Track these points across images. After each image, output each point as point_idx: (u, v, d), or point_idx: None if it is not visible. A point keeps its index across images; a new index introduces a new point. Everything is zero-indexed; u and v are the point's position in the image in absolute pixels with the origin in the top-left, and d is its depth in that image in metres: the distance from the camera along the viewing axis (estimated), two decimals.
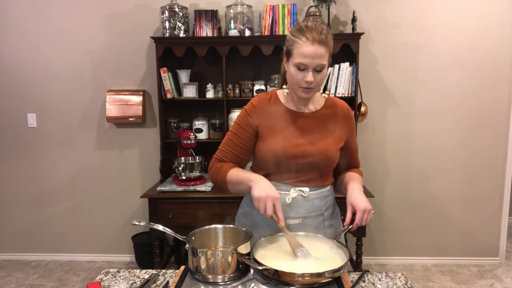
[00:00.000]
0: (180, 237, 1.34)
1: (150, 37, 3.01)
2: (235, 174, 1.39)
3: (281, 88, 1.49)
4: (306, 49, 1.28)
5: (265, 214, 1.26)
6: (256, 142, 1.44)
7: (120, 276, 1.33)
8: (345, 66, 2.90)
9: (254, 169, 1.51)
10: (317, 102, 1.48)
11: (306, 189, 1.42)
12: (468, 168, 3.25)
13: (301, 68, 1.31)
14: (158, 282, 1.29)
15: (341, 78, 2.91)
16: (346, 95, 2.93)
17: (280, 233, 1.37)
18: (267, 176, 1.42)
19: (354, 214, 1.33)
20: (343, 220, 1.41)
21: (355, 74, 2.90)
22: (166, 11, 2.94)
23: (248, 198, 1.52)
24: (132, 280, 1.31)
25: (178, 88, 3.10)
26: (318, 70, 1.31)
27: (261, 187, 1.27)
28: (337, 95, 2.93)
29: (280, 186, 1.42)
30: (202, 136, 3.08)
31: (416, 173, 3.26)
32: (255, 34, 2.99)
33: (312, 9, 2.89)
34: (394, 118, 3.21)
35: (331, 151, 1.42)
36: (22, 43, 3.24)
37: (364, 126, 3.19)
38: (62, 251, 3.49)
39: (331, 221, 1.50)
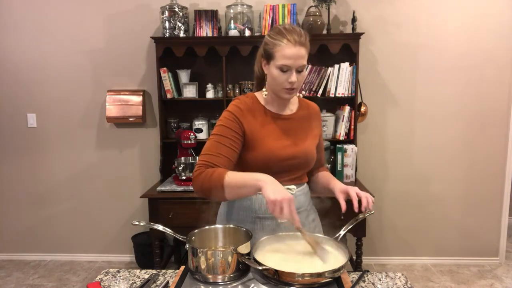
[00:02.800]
0: (180, 237, 1.34)
1: (150, 37, 3.01)
2: (236, 176, 1.26)
3: (258, 90, 1.50)
4: (289, 51, 1.32)
5: (281, 217, 1.17)
6: (244, 146, 1.42)
7: (120, 276, 1.33)
8: (345, 66, 2.90)
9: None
10: (293, 103, 1.52)
11: (294, 186, 1.45)
12: (468, 168, 3.24)
13: (284, 69, 1.34)
14: (158, 282, 1.29)
15: (341, 78, 2.91)
16: (346, 95, 2.93)
17: (280, 233, 1.37)
18: None
19: (347, 202, 1.35)
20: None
21: (355, 74, 2.90)
22: (166, 11, 2.94)
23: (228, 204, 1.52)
24: (132, 280, 1.31)
25: (178, 88, 3.10)
26: (299, 70, 1.36)
27: (275, 189, 1.18)
28: (337, 95, 2.93)
29: None
30: (202, 136, 3.08)
31: (416, 173, 3.26)
32: (255, 34, 2.99)
33: (312, 9, 2.89)
34: (394, 118, 3.21)
35: (312, 150, 1.49)
36: (22, 43, 3.24)
37: (364, 126, 3.19)
38: (62, 251, 3.49)
39: (312, 216, 1.56)
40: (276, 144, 1.41)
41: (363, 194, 1.34)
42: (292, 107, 1.51)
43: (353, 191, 1.35)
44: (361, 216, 1.43)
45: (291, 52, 1.31)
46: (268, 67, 1.38)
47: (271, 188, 1.18)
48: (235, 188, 1.26)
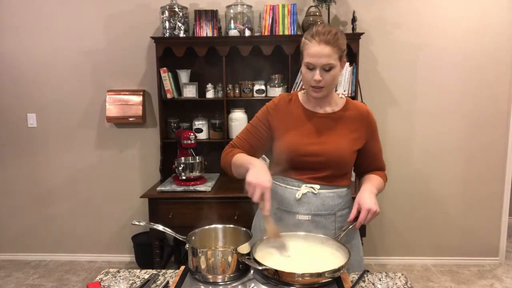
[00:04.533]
0: (180, 237, 1.34)
1: (150, 37, 3.01)
2: (240, 157, 1.44)
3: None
4: (312, 49, 1.36)
5: (252, 199, 1.28)
6: (273, 138, 1.50)
7: (120, 276, 1.33)
8: (345, 66, 2.90)
9: (271, 165, 1.56)
10: (335, 103, 1.51)
11: (317, 186, 1.44)
12: (468, 168, 3.25)
13: (310, 67, 1.38)
14: (158, 282, 1.29)
15: (341, 78, 2.91)
16: (346, 95, 2.93)
17: (280, 233, 1.37)
18: (283, 171, 1.48)
19: (359, 213, 1.35)
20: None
21: (355, 74, 2.90)
22: (166, 11, 2.94)
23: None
24: (132, 280, 1.31)
25: (178, 88, 3.10)
26: (326, 69, 1.37)
27: (256, 173, 1.29)
28: None
29: (292, 182, 1.46)
30: (202, 136, 3.08)
31: (416, 173, 3.26)
32: (255, 34, 2.99)
33: (312, 9, 2.89)
34: (394, 118, 3.21)
35: (343, 152, 1.45)
36: (22, 43, 3.24)
37: None
38: (62, 251, 3.49)
39: (343, 224, 1.48)
40: (297, 139, 1.44)
41: (366, 220, 1.33)
42: (334, 106, 1.50)
43: (364, 212, 1.33)
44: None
45: (314, 50, 1.35)
46: (302, 66, 1.44)
47: (254, 171, 1.30)
48: (236, 167, 1.44)
